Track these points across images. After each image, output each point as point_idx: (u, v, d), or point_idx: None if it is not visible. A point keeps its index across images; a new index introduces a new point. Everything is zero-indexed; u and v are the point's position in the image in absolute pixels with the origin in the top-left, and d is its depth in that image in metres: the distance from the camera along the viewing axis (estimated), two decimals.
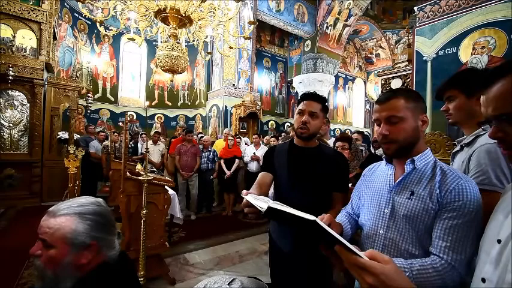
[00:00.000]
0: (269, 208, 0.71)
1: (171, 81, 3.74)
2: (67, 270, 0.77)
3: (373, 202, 0.97)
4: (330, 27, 9.06)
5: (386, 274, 0.52)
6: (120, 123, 8.07)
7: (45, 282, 0.78)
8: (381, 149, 0.96)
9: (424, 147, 0.92)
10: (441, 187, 0.82)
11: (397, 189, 0.91)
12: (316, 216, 0.81)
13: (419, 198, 0.85)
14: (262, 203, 0.76)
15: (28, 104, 5.11)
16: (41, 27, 5.16)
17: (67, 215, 0.79)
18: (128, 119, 8.33)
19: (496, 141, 0.61)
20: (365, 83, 13.26)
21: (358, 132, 4.73)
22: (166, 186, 2.67)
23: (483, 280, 0.57)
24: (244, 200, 0.89)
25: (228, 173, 5.03)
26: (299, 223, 0.66)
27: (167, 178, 3.03)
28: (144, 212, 2.22)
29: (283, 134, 6.20)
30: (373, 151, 4.15)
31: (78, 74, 7.31)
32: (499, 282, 0.53)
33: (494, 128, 0.60)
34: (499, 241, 0.57)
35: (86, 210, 0.82)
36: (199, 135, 6.14)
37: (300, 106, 1.39)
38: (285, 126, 10.16)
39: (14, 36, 4.95)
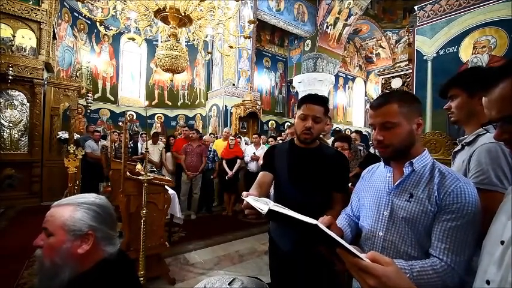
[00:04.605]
0: (270, 210, 0.71)
1: (171, 80, 3.73)
2: (64, 258, 0.79)
3: (372, 204, 0.97)
4: (330, 27, 9.05)
5: (388, 276, 0.52)
6: (120, 123, 8.06)
7: (43, 272, 0.80)
8: None
9: (421, 149, 0.92)
10: (440, 189, 0.82)
11: (396, 191, 0.91)
12: (317, 217, 0.81)
13: (418, 201, 0.85)
14: (263, 205, 0.76)
15: (28, 104, 5.10)
16: (41, 26, 5.15)
17: (68, 205, 0.84)
18: (128, 118, 8.34)
19: (496, 141, 0.61)
20: (365, 82, 13.24)
21: (356, 131, 4.73)
22: (166, 186, 2.67)
23: (487, 282, 0.57)
24: (244, 202, 0.89)
25: (230, 173, 5.03)
26: (300, 226, 0.66)
27: (167, 178, 3.03)
28: (144, 211, 2.22)
29: (283, 134, 6.19)
30: (372, 151, 4.14)
31: (78, 74, 7.32)
32: (502, 283, 0.53)
33: (499, 130, 0.59)
34: (502, 242, 0.57)
35: (86, 200, 0.86)
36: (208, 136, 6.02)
37: (303, 110, 1.35)
38: (285, 125, 10.15)
39: (14, 36, 4.94)
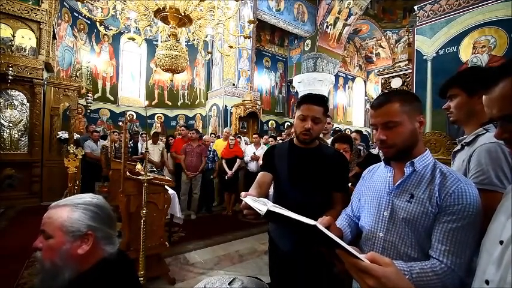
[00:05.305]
0: (268, 211, 0.71)
1: (171, 80, 3.73)
2: (64, 259, 0.79)
3: (372, 205, 0.97)
4: (330, 27, 9.05)
5: (388, 277, 0.53)
6: (120, 123, 8.06)
7: (44, 274, 0.80)
8: None
9: (423, 149, 0.91)
10: (441, 190, 0.81)
11: (397, 192, 0.90)
12: (317, 217, 0.81)
13: (419, 202, 0.84)
14: (261, 206, 0.75)
15: (28, 104, 5.10)
16: (41, 26, 5.14)
17: (66, 206, 0.83)
18: (128, 118, 8.34)
19: (497, 140, 0.61)
20: (365, 82, 13.25)
21: (357, 131, 4.73)
22: (166, 186, 2.67)
23: (487, 282, 0.57)
24: (243, 202, 0.89)
25: (229, 172, 5.04)
26: (299, 227, 0.65)
27: (167, 178, 3.03)
28: (144, 211, 2.22)
29: (283, 134, 6.19)
30: (376, 151, 4.14)
31: (77, 74, 7.32)
32: (501, 283, 0.53)
33: (500, 129, 0.59)
34: (501, 242, 0.57)
35: (83, 201, 0.85)
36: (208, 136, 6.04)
37: (302, 111, 1.34)
38: (285, 125, 10.16)
39: (14, 36, 4.94)
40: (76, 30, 7.72)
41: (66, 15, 7.26)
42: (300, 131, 1.35)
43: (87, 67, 8.08)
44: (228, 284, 0.73)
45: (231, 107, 7.76)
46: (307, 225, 0.60)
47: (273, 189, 1.53)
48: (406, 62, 4.38)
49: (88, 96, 7.36)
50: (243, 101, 7.62)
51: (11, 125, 4.98)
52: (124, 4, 3.22)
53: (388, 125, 0.88)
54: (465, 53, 3.21)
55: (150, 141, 5.43)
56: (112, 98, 8.74)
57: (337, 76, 11.05)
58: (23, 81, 4.96)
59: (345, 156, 1.58)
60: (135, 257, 2.22)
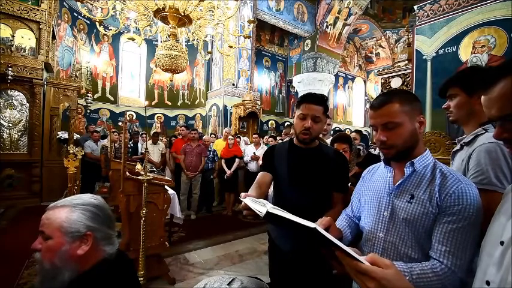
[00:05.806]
0: (268, 213, 0.71)
1: (171, 80, 3.73)
2: (63, 260, 0.78)
3: (372, 205, 0.96)
4: (329, 27, 9.05)
5: (388, 279, 0.52)
6: (120, 123, 8.06)
7: (43, 275, 0.80)
8: None
9: (423, 149, 0.91)
10: (441, 190, 0.81)
11: (397, 192, 0.90)
12: (317, 218, 0.81)
13: (419, 202, 0.83)
14: (261, 207, 0.75)
15: (27, 104, 5.10)
16: (40, 26, 5.14)
17: (64, 207, 0.82)
18: (128, 118, 8.33)
19: (496, 140, 0.60)
20: (365, 82, 13.24)
21: (356, 131, 4.73)
22: (166, 186, 2.67)
23: (488, 283, 0.57)
24: (242, 203, 0.89)
25: (228, 172, 5.04)
26: (298, 229, 0.65)
27: (167, 178, 3.03)
28: (144, 211, 2.22)
29: (282, 134, 6.20)
30: (376, 152, 4.14)
31: (77, 74, 7.30)
32: (502, 284, 0.53)
33: (499, 129, 0.59)
34: (501, 243, 0.56)
35: (81, 201, 0.85)
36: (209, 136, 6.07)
37: (302, 110, 1.34)
38: (285, 125, 10.16)
39: (13, 36, 4.94)
40: (76, 31, 7.71)
41: (65, 15, 7.25)
42: (299, 130, 1.35)
43: (87, 67, 8.07)
44: (228, 284, 0.73)
45: (231, 107, 7.75)
46: (306, 228, 0.60)
47: (273, 189, 1.53)
48: (406, 62, 4.37)
49: (88, 96, 7.36)
50: (243, 101, 7.61)
51: (10, 125, 4.98)
52: (124, 4, 3.22)
53: (388, 125, 0.87)
54: (465, 52, 3.21)
55: (149, 141, 5.43)
56: (112, 98, 8.74)
57: (337, 76, 11.04)
58: (22, 82, 4.95)
59: (345, 156, 1.58)
60: (135, 257, 2.22)
